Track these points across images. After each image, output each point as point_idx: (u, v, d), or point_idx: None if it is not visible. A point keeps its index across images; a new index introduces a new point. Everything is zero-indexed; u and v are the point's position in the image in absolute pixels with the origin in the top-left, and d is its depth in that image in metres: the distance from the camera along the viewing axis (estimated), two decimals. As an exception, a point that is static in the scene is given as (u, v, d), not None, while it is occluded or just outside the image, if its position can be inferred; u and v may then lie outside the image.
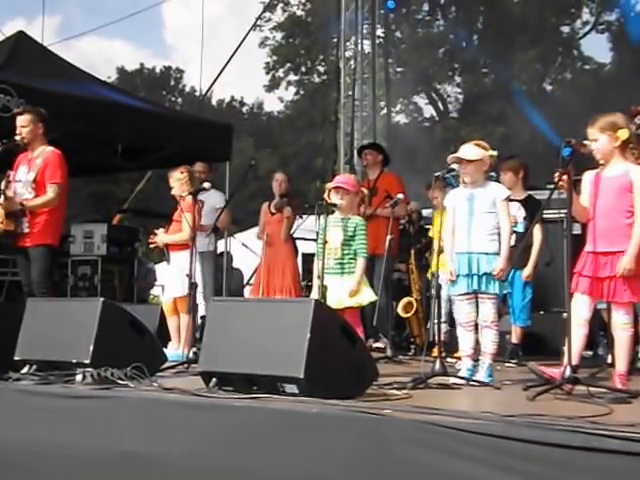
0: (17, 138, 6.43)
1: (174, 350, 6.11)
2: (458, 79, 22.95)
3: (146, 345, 4.80)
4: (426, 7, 13.55)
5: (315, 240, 7.73)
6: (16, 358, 4.65)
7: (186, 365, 5.34)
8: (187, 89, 33.35)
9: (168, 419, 3.77)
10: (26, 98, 7.50)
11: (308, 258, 9.04)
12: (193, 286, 5.93)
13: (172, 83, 34.46)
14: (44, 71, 8.58)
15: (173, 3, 29.67)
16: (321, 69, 26.39)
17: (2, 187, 6.20)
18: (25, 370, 4.58)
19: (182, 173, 6.54)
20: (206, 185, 6.48)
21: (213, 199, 7.39)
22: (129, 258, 9.96)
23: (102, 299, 4.67)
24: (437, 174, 4.92)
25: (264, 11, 21.94)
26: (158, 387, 4.10)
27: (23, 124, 6.31)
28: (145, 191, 12.44)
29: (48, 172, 6.22)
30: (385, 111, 14.49)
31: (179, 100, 33.19)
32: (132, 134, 8.68)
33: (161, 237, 6.52)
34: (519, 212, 6.10)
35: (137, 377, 4.20)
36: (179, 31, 48.93)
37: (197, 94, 23.96)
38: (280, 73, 27.44)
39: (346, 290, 5.30)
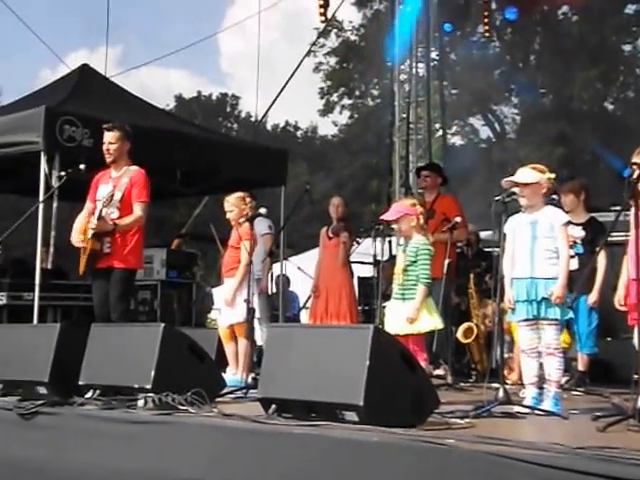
0: (81, 167, 6.54)
1: (232, 375, 6.13)
2: (515, 100, 22.76)
3: (206, 370, 4.82)
4: (481, 29, 13.48)
5: (371, 264, 7.81)
6: (80, 383, 4.72)
7: (245, 391, 5.36)
8: (243, 115, 33.70)
9: (228, 445, 3.78)
10: (90, 128, 7.68)
11: (364, 282, 9.03)
12: (251, 311, 5.96)
13: (228, 109, 34.86)
14: (107, 102, 8.78)
15: (229, 32, 30.14)
16: (375, 92, 26.46)
17: (98, 207, 6.13)
18: (89, 395, 4.65)
19: (241, 199, 6.57)
20: (262, 211, 6.51)
21: (258, 226, 7.40)
22: (187, 282, 10.07)
23: (163, 324, 4.71)
24: (497, 198, 4.86)
25: (318, 37, 22.10)
26: (218, 413, 4.12)
27: (111, 140, 6.25)
28: (202, 216, 12.57)
29: (135, 191, 6.16)
30: (440, 133, 14.44)
31: (235, 126, 33.55)
32: (190, 160, 8.81)
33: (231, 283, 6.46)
34: (579, 233, 6.00)
35: (197, 402, 4.23)
36: (235, 58, 49.57)
37: (253, 120, 24.23)
38: (334, 97, 27.60)
39: (406, 317, 5.27)
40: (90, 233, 6.04)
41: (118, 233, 6.11)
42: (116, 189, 6.18)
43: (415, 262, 5.40)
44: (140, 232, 6.24)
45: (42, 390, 4.86)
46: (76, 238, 6.18)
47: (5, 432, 4.62)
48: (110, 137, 6.27)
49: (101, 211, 6.10)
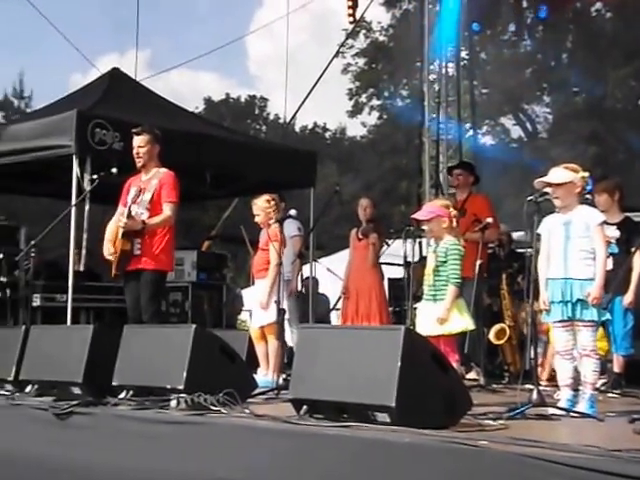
0: (113, 170, 6.59)
1: (263, 376, 6.15)
2: (547, 99, 22.58)
3: (237, 371, 4.84)
4: (512, 27, 13.37)
5: (402, 265, 7.79)
6: (114, 383, 4.76)
7: (276, 391, 5.37)
8: (271, 117, 33.80)
9: (260, 446, 3.79)
10: (121, 132, 7.74)
11: (395, 283, 9.00)
12: (281, 312, 5.97)
13: (256, 111, 34.95)
14: (137, 105, 8.86)
15: (257, 34, 30.23)
16: (404, 93, 26.40)
17: (125, 208, 6.18)
18: (122, 395, 4.69)
19: (267, 202, 6.58)
20: (292, 212, 6.53)
21: (288, 228, 7.41)
22: (218, 284, 10.12)
23: (194, 325, 4.73)
24: (530, 198, 4.82)
25: (347, 38, 22.08)
26: (250, 414, 4.13)
27: (140, 144, 6.28)
28: (232, 217, 12.62)
29: (164, 192, 6.18)
30: (471, 133, 14.36)
31: (263, 128, 33.63)
32: (219, 163, 8.84)
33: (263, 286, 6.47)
34: (613, 233, 5.93)
35: (229, 403, 4.24)
36: (263, 61, 49.69)
37: (281, 121, 24.29)
38: (363, 98, 27.57)
39: (437, 318, 5.26)
40: (120, 232, 6.08)
41: (147, 234, 6.13)
42: (146, 190, 6.21)
43: (445, 262, 5.37)
44: (170, 233, 6.26)
45: (76, 390, 4.91)
46: (107, 250, 6.22)
47: (41, 432, 4.67)
48: (139, 141, 6.30)
49: (130, 210, 6.14)
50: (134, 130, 6.38)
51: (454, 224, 5.54)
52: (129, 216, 6.08)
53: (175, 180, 6.26)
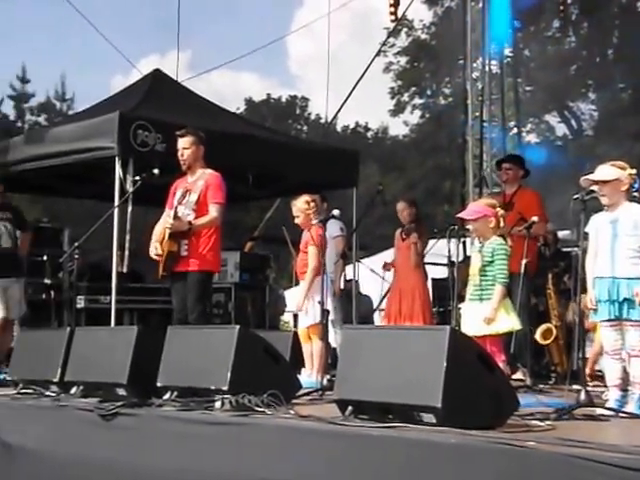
0: (155, 171, 6.63)
1: (307, 377, 6.13)
2: (592, 95, 22.25)
3: (281, 372, 4.82)
4: (556, 24, 13.21)
5: (445, 265, 7.71)
6: (158, 384, 4.77)
7: (320, 392, 5.34)
8: (312, 117, 33.86)
9: (305, 447, 3.78)
10: (163, 133, 7.79)
11: (438, 283, 8.92)
12: (325, 313, 5.94)
13: (298, 112, 35.06)
14: (178, 106, 8.91)
15: (297, 34, 30.28)
16: (447, 91, 26.23)
17: (172, 210, 6.21)
18: (167, 396, 4.69)
19: (306, 203, 6.55)
20: (335, 212, 6.49)
21: (330, 228, 7.37)
22: (261, 285, 10.13)
23: (238, 326, 4.72)
24: (576, 196, 4.73)
25: (388, 37, 22.04)
26: (294, 415, 4.11)
27: (185, 146, 6.30)
28: (274, 218, 12.64)
29: (210, 193, 6.19)
30: (515, 131, 14.20)
31: (305, 128, 33.72)
32: (261, 163, 8.86)
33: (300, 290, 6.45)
34: None
35: (274, 404, 4.23)
36: (303, 60, 49.83)
37: (322, 121, 24.26)
38: (405, 97, 27.47)
39: (483, 317, 5.19)
40: (167, 233, 6.10)
41: (194, 235, 6.14)
42: (192, 192, 6.23)
43: (492, 262, 5.31)
44: (217, 234, 6.27)
45: (121, 392, 4.93)
46: (153, 249, 6.23)
47: (86, 432, 4.71)
48: (184, 142, 6.32)
49: (177, 211, 6.16)
50: (178, 132, 6.40)
51: (501, 224, 5.47)
52: (175, 217, 6.11)
53: (221, 181, 6.28)
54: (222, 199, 6.23)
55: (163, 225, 6.24)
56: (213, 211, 6.18)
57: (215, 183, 6.24)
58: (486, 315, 5.21)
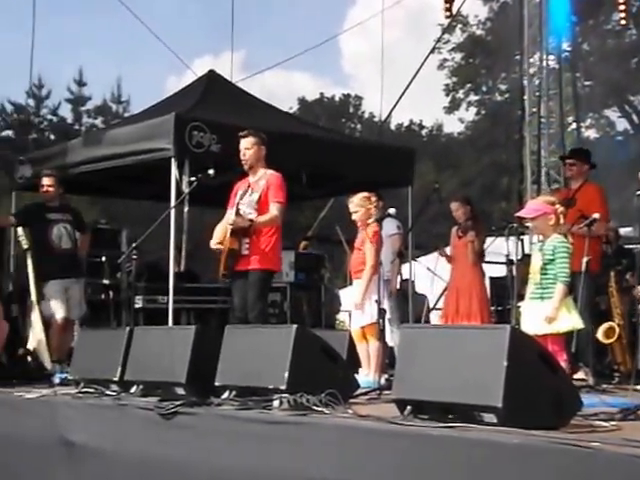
0: (210, 172, 6.68)
1: (364, 376, 6.09)
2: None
3: (339, 371, 4.78)
4: (616, 17, 12.93)
5: (504, 263, 7.60)
6: (216, 384, 4.78)
7: (378, 392, 5.31)
8: (366, 115, 33.78)
9: (364, 446, 3.74)
10: (218, 134, 7.83)
11: (496, 282, 8.81)
12: (382, 312, 5.90)
13: (351, 110, 35.02)
14: (233, 107, 8.95)
15: (350, 32, 30.21)
16: (503, 87, 25.93)
17: (234, 208, 6.28)
18: (225, 395, 4.70)
19: (366, 199, 6.52)
20: (391, 211, 6.45)
21: (387, 226, 7.32)
22: (316, 284, 10.12)
23: (296, 325, 4.71)
24: (639, 192, 4.61)
25: (443, 33, 21.90)
26: (353, 414, 4.09)
27: (247, 146, 6.39)
28: (328, 218, 12.64)
29: (271, 192, 6.28)
30: (574, 126, 13.98)
31: (358, 127, 33.67)
32: (315, 163, 8.83)
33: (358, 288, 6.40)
34: None
35: (332, 403, 4.21)
36: (357, 59, 49.76)
37: (376, 120, 24.18)
38: (460, 94, 27.24)
39: (545, 316, 5.10)
40: (229, 231, 6.15)
41: (255, 234, 6.20)
42: (253, 191, 6.31)
43: (553, 260, 5.22)
44: (277, 233, 6.33)
45: (180, 391, 4.96)
46: (214, 242, 6.31)
47: (147, 431, 4.74)
48: (246, 143, 6.41)
49: (238, 209, 6.21)
50: (241, 133, 6.49)
51: (560, 220, 5.36)
52: (237, 214, 6.18)
53: (282, 181, 6.35)
54: (283, 199, 6.30)
55: (224, 225, 6.30)
56: (274, 210, 6.24)
57: (276, 183, 6.30)
58: (547, 314, 5.12)
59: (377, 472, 3.65)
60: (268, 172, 6.39)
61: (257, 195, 6.26)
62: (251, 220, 6.19)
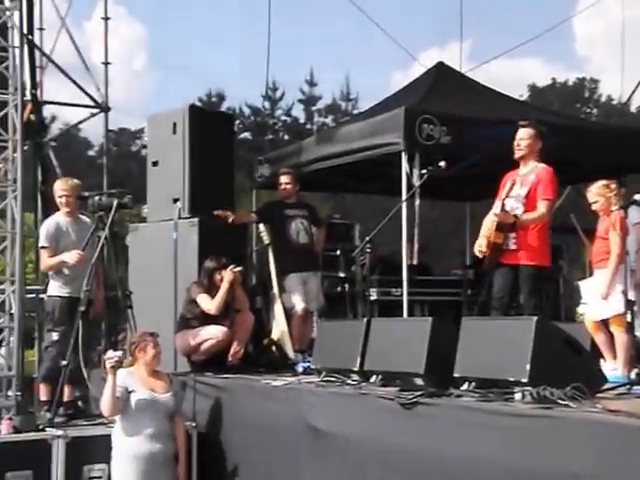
0: (441, 164, 6.64)
1: (611, 370, 5.78)
2: None
3: (583, 364, 4.63)
4: None
5: None
6: (455, 375, 4.76)
7: (628, 387, 5.03)
8: (603, 99, 32.17)
9: (617, 443, 3.59)
10: (448, 126, 7.78)
11: None
12: (630, 304, 5.58)
13: (586, 94, 33.51)
14: (462, 97, 8.85)
15: (584, 14, 28.78)
16: None
17: (500, 202, 6.25)
18: (465, 387, 4.67)
19: (606, 187, 6.19)
20: (637, 197, 6.07)
21: (632, 215, 6.88)
22: (554, 276, 9.75)
23: (536, 317, 4.58)
24: None
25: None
26: (602, 409, 3.91)
27: (524, 137, 6.31)
28: (564, 207, 12.19)
29: (540, 188, 6.16)
30: None
31: (594, 111, 32.14)
32: (552, 150, 8.48)
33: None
34: None
35: (578, 397, 4.08)
36: (591, 41, 47.50)
37: (615, 103, 22.90)
38: None
39: None
40: (494, 225, 6.14)
41: (522, 229, 6.13)
42: (522, 184, 6.22)
43: None
44: (545, 229, 6.22)
45: (418, 381, 4.98)
46: (477, 246, 6.29)
47: (388, 420, 4.82)
48: (523, 133, 6.32)
49: (504, 204, 6.19)
50: (522, 122, 6.41)
51: None
52: (502, 209, 6.15)
53: (553, 176, 6.21)
54: (552, 195, 6.20)
55: (491, 217, 6.28)
56: (542, 207, 6.14)
57: (547, 178, 6.18)
58: None
59: (627, 469, 3.46)
60: (539, 166, 6.26)
61: (526, 189, 6.16)
62: (516, 216, 6.11)
